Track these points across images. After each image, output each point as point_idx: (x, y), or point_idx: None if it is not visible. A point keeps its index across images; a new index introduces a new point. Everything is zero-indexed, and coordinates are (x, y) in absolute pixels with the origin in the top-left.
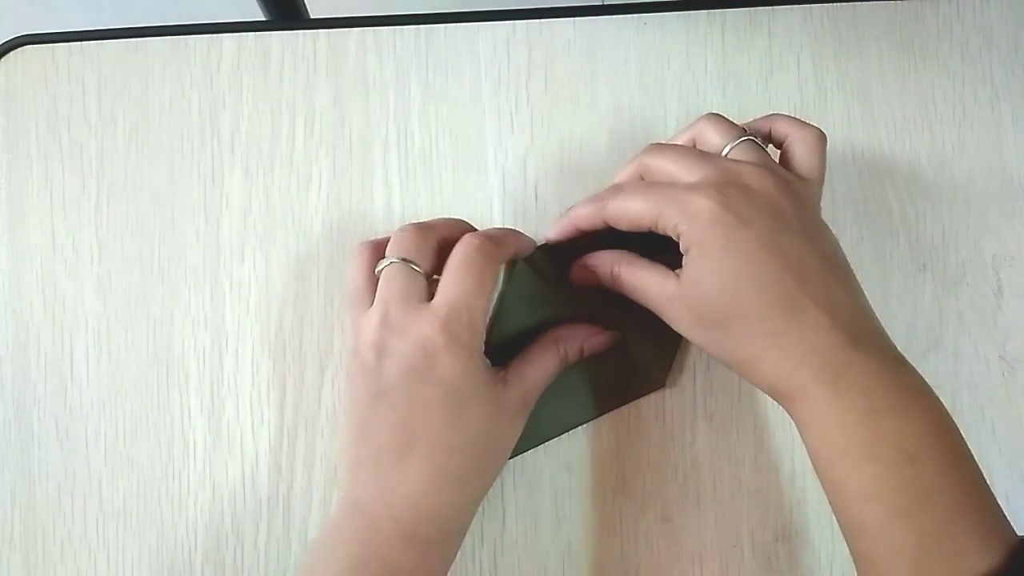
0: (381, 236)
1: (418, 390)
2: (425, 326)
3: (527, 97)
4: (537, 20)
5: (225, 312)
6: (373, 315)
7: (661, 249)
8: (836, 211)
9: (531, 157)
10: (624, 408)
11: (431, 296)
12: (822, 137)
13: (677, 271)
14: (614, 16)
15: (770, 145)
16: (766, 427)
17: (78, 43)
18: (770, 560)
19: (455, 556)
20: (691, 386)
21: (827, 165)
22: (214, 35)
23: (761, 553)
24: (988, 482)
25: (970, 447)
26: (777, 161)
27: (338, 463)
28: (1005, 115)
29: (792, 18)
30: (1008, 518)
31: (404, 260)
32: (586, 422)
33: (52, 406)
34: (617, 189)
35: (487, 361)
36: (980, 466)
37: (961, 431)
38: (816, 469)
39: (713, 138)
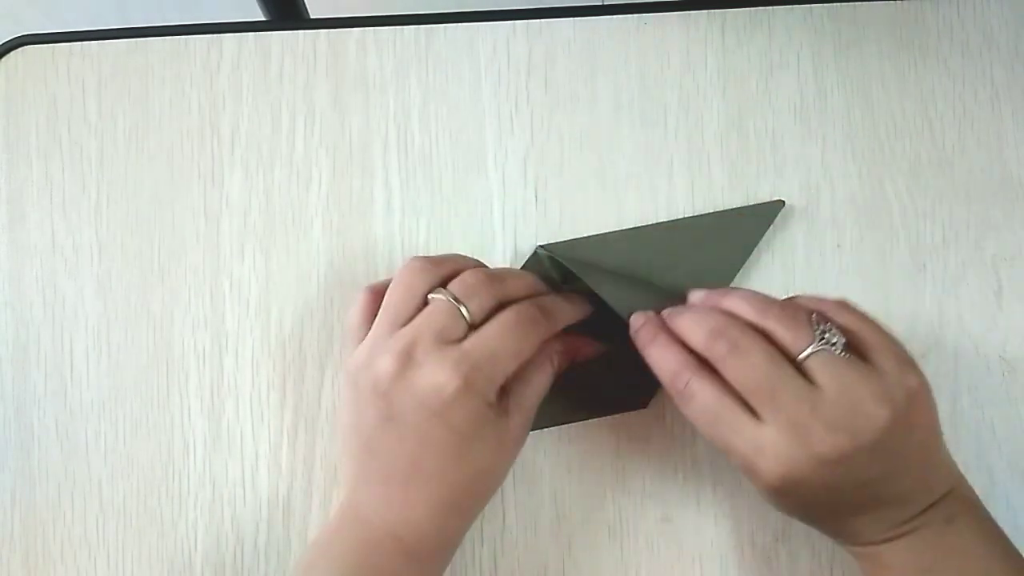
0: (437, 254)
1: (428, 427)
2: (448, 369)
3: (527, 97)
4: (537, 20)
5: (225, 312)
6: (400, 340)
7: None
8: (836, 211)
9: (531, 157)
10: None
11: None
12: (848, 304)
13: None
14: (614, 16)
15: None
16: None
17: (78, 43)
18: (770, 560)
19: (447, 566)
20: None
21: (829, 166)
22: (214, 35)
23: (761, 553)
24: (987, 483)
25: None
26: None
27: (338, 464)
28: (1005, 114)
29: (792, 17)
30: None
31: (458, 301)
32: (558, 424)
33: (52, 406)
34: (692, 394)
35: (495, 402)
36: (980, 467)
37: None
38: None
39: (785, 338)
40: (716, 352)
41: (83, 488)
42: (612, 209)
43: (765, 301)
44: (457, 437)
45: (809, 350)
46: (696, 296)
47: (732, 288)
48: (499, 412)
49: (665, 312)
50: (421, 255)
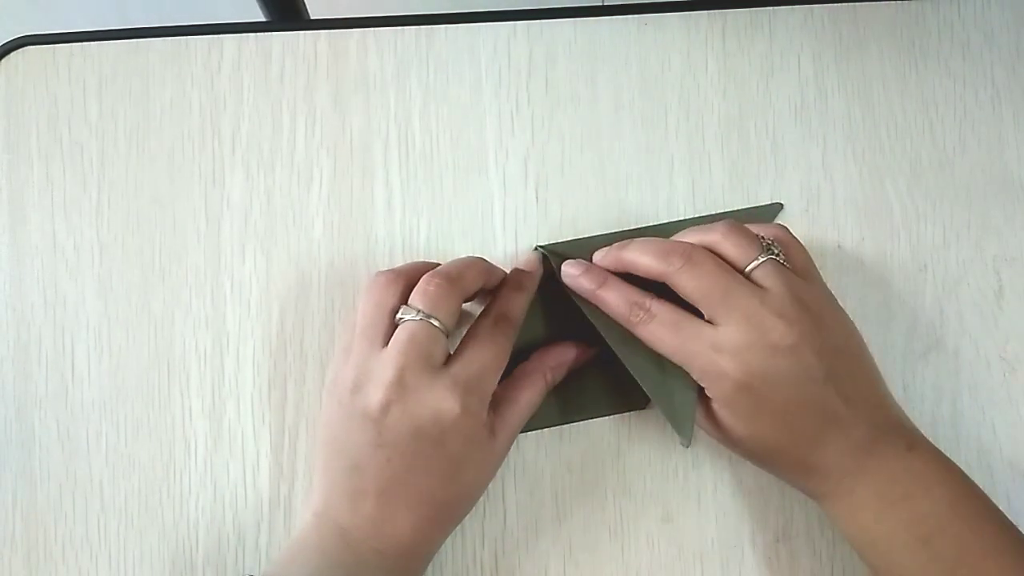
0: (398, 266)
1: (420, 451)
2: (443, 395)
3: (527, 97)
4: (537, 20)
5: (226, 312)
6: (387, 367)
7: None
8: (837, 212)
9: (531, 157)
10: None
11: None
12: (788, 229)
13: (714, 412)
14: (614, 17)
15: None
16: None
17: (79, 44)
18: (770, 560)
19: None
20: None
21: (830, 167)
22: (215, 36)
23: (761, 553)
24: (988, 483)
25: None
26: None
27: (315, 474)
28: (1006, 115)
29: (793, 19)
30: None
31: (428, 317)
32: (558, 424)
33: (53, 406)
34: (651, 311)
35: (486, 420)
36: (981, 466)
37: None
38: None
39: (734, 253)
40: (670, 266)
41: (84, 488)
42: (612, 209)
43: (710, 226)
44: (449, 461)
45: (758, 260)
46: (598, 255)
47: (633, 239)
48: (488, 431)
49: (604, 252)
50: (384, 270)
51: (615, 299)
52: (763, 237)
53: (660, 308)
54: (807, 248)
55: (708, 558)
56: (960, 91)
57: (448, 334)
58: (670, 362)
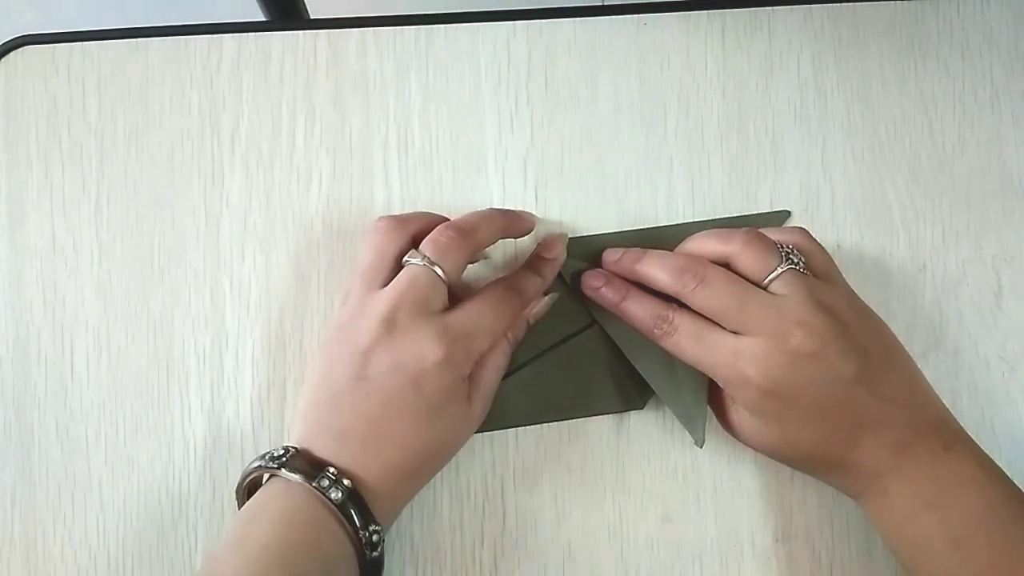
0: (402, 213)
1: (398, 390)
2: (430, 338)
3: (527, 97)
4: (537, 20)
5: (225, 312)
6: (382, 304)
7: None
8: (836, 211)
9: (531, 157)
10: None
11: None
12: (809, 233)
13: (740, 420)
14: (614, 16)
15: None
16: None
17: (78, 43)
18: (770, 560)
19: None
20: None
21: (829, 167)
22: (214, 35)
23: (761, 554)
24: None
25: None
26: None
27: (296, 416)
28: (1005, 115)
29: (792, 18)
30: None
31: (432, 264)
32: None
33: (52, 406)
34: (673, 324)
35: (466, 378)
36: None
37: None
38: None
39: (752, 266)
40: (684, 286)
41: (83, 488)
42: (612, 210)
43: (730, 235)
44: (425, 406)
45: (778, 270)
46: (610, 256)
47: (646, 250)
48: (466, 395)
49: (619, 260)
50: (388, 215)
51: (639, 312)
52: (783, 245)
53: (682, 320)
54: None
55: (707, 558)
56: (959, 91)
57: (449, 285)
58: (680, 363)
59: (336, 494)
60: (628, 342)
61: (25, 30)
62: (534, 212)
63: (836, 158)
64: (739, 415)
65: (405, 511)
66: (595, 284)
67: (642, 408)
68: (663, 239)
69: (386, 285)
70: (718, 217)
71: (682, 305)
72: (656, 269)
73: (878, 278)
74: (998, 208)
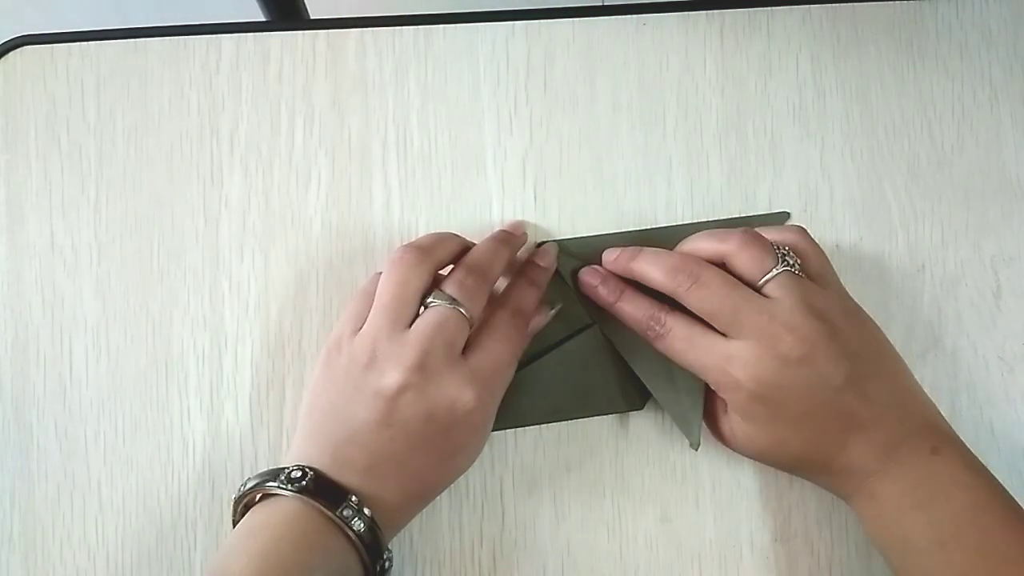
0: (422, 240)
1: (426, 434)
2: (460, 386)
3: (526, 97)
4: (536, 20)
5: (224, 312)
6: (411, 348)
7: None
8: (835, 211)
9: (530, 157)
10: None
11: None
12: (806, 233)
13: (732, 426)
14: (613, 17)
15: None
16: None
17: (77, 43)
18: (768, 560)
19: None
20: None
21: (828, 167)
22: (213, 36)
23: (760, 553)
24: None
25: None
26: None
27: (300, 432)
28: (1004, 115)
29: (791, 19)
30: None
31: (461, 306)
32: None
33: (51, 406)
34: (666, 326)
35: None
36: None
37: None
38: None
39: (748, 267)
40: (679, 285)
41: (82, 488)
42: (611, 210)
43: (726, 234)
44: (450, 447)
45: (772, 272)
46: (608, 256)
47: (642, 247)
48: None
49: (615, 258)
50: (411, 245)
51: (633, 312)
52: (779, 246)
53: (675, 322)
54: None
55: (706, 558)
56: (958, 91)
57: (473, 326)
58: (677, 366)
59: (358, 524)
60: (625, 343)
61: (23, 30)
62: (533, 212)
63: (835, 158)
64: (730, 421)
65: None
66: (592, 282)
67: (642, 408)
68: (662, 240)
69: (410, 321)
70: (718, 218)
71: (676, 306)
72: (651, 267)
73: (877, 278)
74: (997, 208)
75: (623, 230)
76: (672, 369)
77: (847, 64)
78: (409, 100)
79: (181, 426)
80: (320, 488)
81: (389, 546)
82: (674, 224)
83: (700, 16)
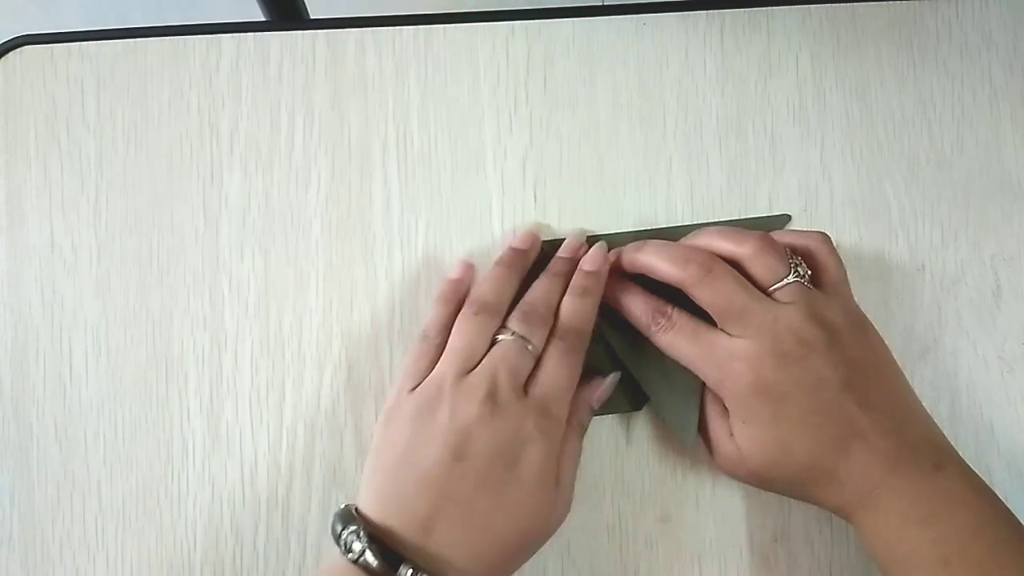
0: (484, 290)
1: (495, 470)
2: (526, 416)
3: (526, 97)
4: (536, 20)
5: (224, 312)
6: (481, 381)
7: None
8: (835, 211)
9: (530, 157)
10: None
11: None
12: (829, 242)
13: (733, 433)
14: (613, 17)
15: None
16: None
17: (77, 43)
18: (769, 560)
19: None
20: None
21: (828, 167)
22: (213, 35)
23: (760, 553)
24: (987, 482)
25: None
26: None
27: (366, 487)
28: (1004, 115)
29: (791, 19)
30: None
31: (525, 338)
32: None
33: (51, 406)
34: (671, 319)
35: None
36: (979, 466)
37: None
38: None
39: (760, 273)
40: (689, 276)
41: (82, 489)
42: (611, 209)
43: (743, 237)
44: (518, 488)
45: (784, 281)
46: (612, 255)
47: (648, 241)
48: (557, 472)
49: (619, 252)
50: (481, 302)
51: (638, 306)
52: (792, 255)
53: (679, 318)
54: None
55: (706, 558)
56: (958, 91)
57: (537, 355)
58: (673, 365)
59: None
60: (623, 345)
61: (23, 30)
62: (533, 212)
63: (835, 158)
64: (733, 432)
65: None
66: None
67: (641, 409)
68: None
69: (474, 367)
70: (718, 220)
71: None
72: (658, 258)
73: (877, 278)
74: (997, 208)
75: (623, 230)
76: (669, 371)
77: (847, 64)
78: (409, 100)
79: (181, 426)
80: (376, 559)
81: None
82: (673, 225)
83: (700, 16)
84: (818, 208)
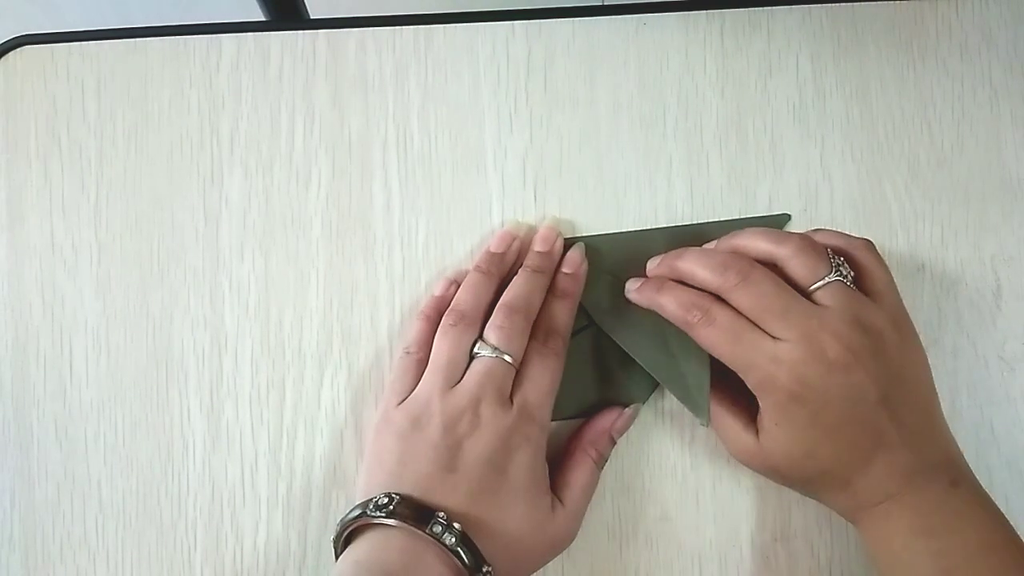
0: (462, 300)
1: (487, 479)
2: (512, 425)
3: (526, 97)
4: (536, 20)
5: (224, 312)
6: (463, 399)
7: None
8: (835, 211)
9: (530, 157)
10: None
11: None
12: (874, 248)
13: (755, 424)
14: (613, 16)
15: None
16: None
17: (77, 43)
18: (768, 560)
19: None
20: None
21: (828, 167)
22: (213, 35)
23: (760, 553)
24: (986, 483)
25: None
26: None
27: (360, 499)
28: (1004, 115)
29: (791, 18)
30: None
31: (502, 353)
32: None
33: (51, 406)
34: (711, 314)
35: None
36: (979, 466)
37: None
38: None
39: (800, 272)
40: (727, 282)
41: (82, 488)
42: (611, 209)
43: (784, 237)
44: (510, 496)
45: (825, 280)
46: (653, 261)
47: (688, 249)
48: (550, 498)
49: (659, 260)
50: (458, 313)
51: (675, 300)
52: (835, 255)
53: (722, 314)
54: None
55: (706, 558)
56: (958, 91)
57: (517, 367)
58: (678, 346)
59: (450, 538)
60: (625, 333)
61: (24, 29)
62: (533, 212)
63: (835, 158)
64: (761, 428)
65: None
66: (631, 287)
67: (645, 402)
68: (662, 240)
69: (460, 378)
70: (718, 219)
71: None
72: (697, 265)
73: None
74: (997, 208)
75: (623, 230)
76: (675, 354)
77: (847, 64)
78: (409, 100)
79: (181, 426)
80: (407, 509)
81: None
82: (673, 226)
83: (700, 16)
84: (818, 208)
